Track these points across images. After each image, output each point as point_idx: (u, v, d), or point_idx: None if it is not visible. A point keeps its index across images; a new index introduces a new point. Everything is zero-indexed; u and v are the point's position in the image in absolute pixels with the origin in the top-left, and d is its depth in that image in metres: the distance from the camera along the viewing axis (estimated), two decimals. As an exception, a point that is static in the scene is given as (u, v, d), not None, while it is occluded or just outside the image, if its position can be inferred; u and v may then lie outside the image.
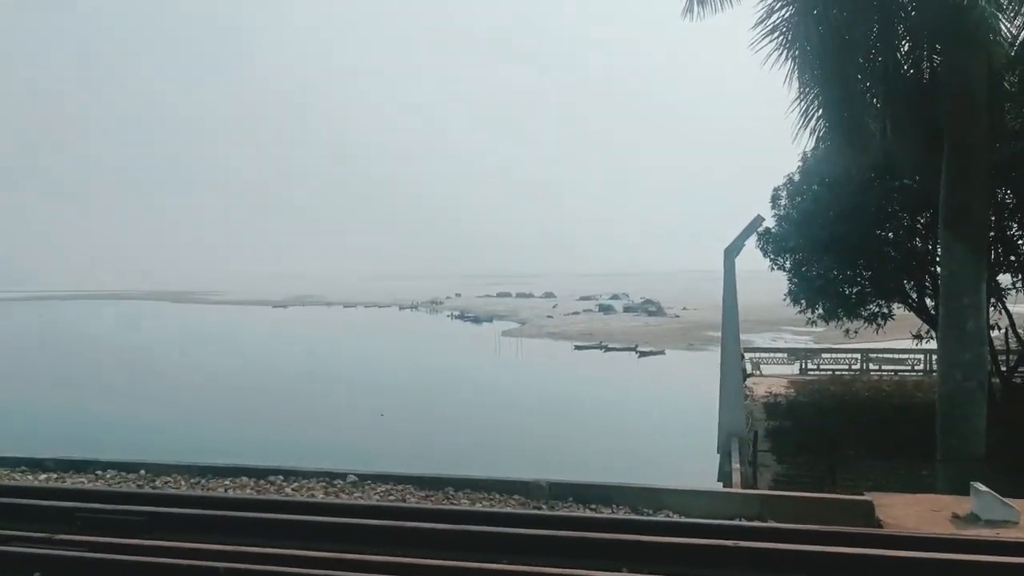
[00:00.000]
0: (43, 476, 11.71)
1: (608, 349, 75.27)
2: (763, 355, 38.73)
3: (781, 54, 14.63)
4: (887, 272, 22.93)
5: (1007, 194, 20.17)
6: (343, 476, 11.17)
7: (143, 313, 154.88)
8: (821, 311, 24.80)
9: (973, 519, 8.52)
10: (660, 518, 9.05)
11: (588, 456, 29.08)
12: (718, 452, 19.10)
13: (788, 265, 24.73)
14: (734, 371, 20.04)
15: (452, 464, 21.40)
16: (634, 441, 32.70)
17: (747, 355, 34.14)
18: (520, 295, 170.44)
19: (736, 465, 16.61)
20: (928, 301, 23.09)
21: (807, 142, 15.93)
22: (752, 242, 22.18)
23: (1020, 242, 21.41)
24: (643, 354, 70.93)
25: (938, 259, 18.53)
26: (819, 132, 15.17)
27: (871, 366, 34.79)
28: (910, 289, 23.79)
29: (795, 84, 14.85)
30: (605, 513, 9.52)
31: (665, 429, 35.06)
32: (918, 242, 22.78)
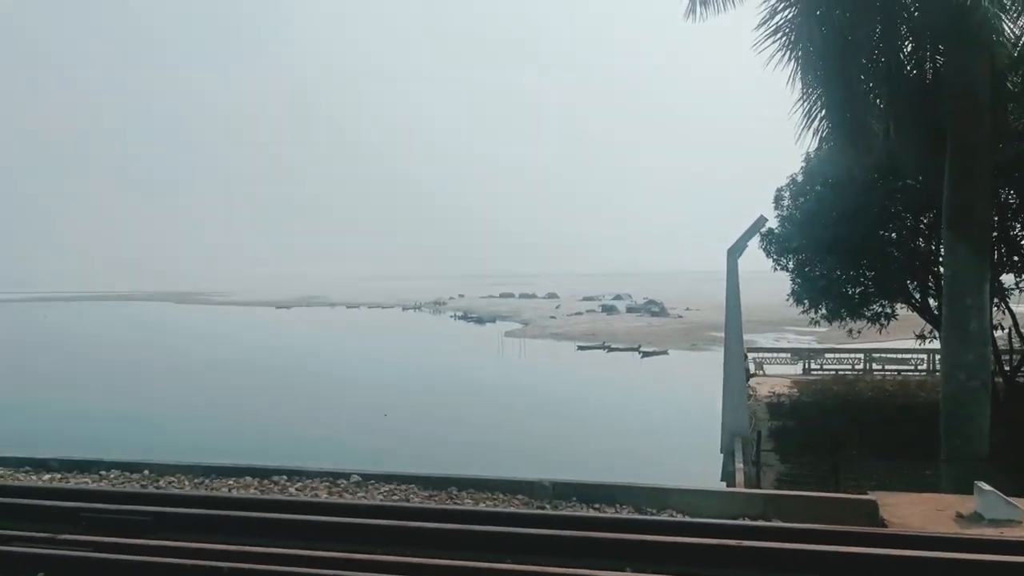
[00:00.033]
0: (47, 476, 11.72)
1: (611, 349, 75.28)
2: (766, 355, 38.69)
3: (784, 55, 14.63)
4: (890, 272, 22.91)
5: (1010, 194, 20.14)
6: (347, 476, 11.18)
7: (147, 314, 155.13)
8: (824, 311, 24.78)
9: (977, 518, 8.52)
10: (664, 518, 9.06)
11: (591, 456, 29.09)
12: (721, 452, 19.11)
13: (791, 265, 24.71)
14: (737, 371, 20.05)
15: (456, 464, 21.41)
16: (637, 441, 32.72)
17: (750, 355, 34.15)
18: (523, 296, 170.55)
19: (740, 465, 16.62)
20: (931, 301, 23.07)
21: (810, 143, 15.93)
22: (755, 242, 22.21)
23: (1023, 242, 21.38)
24: (646, 354, 70.92)
25: (941, 259, 18.51)
26: (822, 133, 15.17)
27: (874, 366, 34.76)
28: (913, 289, 23.77)
29: (798, 85, 14.86)
30: (609, 513, 9.53)
31: (668, 429, 35.07)
32: (921, 242, 22.76)
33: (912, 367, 33.73)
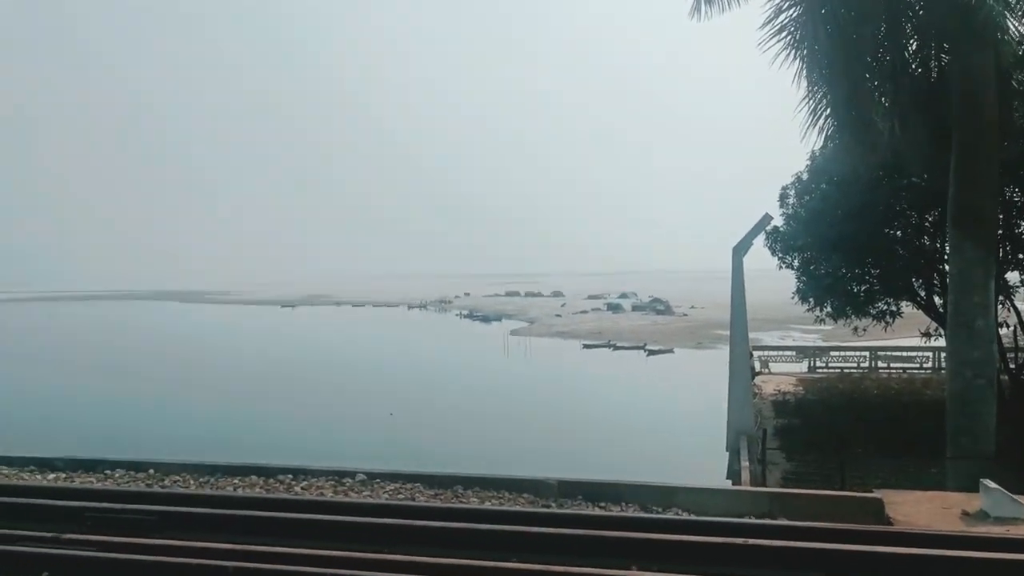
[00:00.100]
0: (52, 476, 11.75)
1: (617, 348, 75.33)
2: (772, 353, 38.67)
3: (789, 54, 14.62)
4: (895, 270, 22.87)
5: (1015, 192, 20.10)
6: (352, 475, 11.18)
7: (150, 313, 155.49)
8: (829, 309, 24.75)
9: (983, 516, 8.51)
10: (670, 516, 9.05)
11: (597, 454, 29.11)
12: (727, 450, 19.10)
13: (796, 263, 24.68)
14: (743, 369, 20.02)
15: (461, 463, 21.44)
16: (643, 439, 32.74)
17: (756, 353, 34.09)
18: (529, 294, 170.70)
19: (745, 463, 16.60)
20: (936, 299, 23.02)
21: (815, 141, 15.91)
22: (760, 241, 22.19)
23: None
24: (652, 353, 70.93)
25: (946, 257, 18.46)
26: (828, 131, 15.15)
27: (880, 364, 34.70)
28: (918, 287, 23.72)
29: (803, 83, 14.85)
30: (615, 511, 9.52)
31: (674, 427, 35.08)
32: (926, 240, 22.71)
33: (917, 365, 33.67)
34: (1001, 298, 20.21)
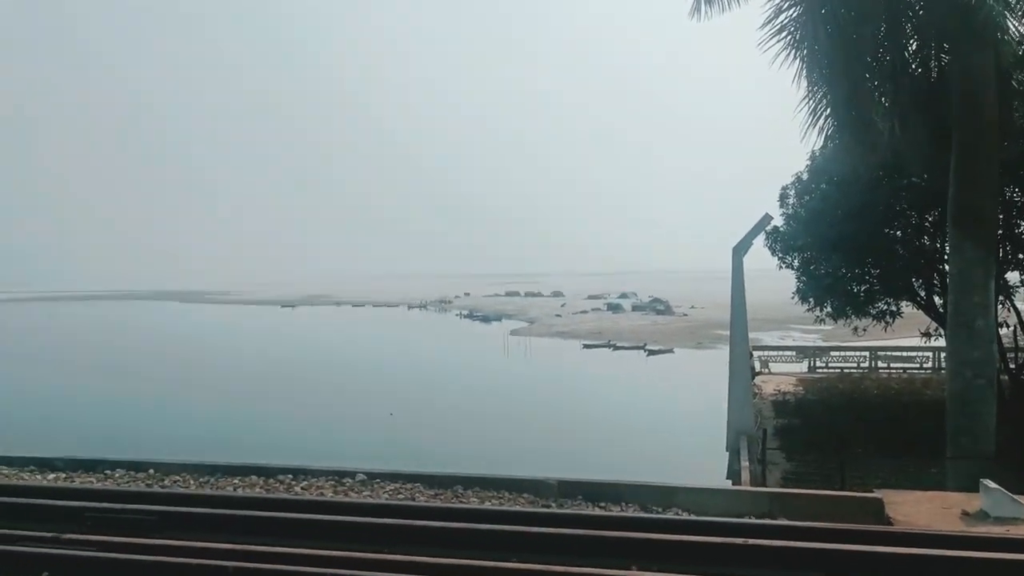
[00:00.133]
0: (52, 476, 11.75)
1: (617, 348, 75.35)
2: (772, 353, 38.68)
3: (789, 54, 14.62)
4: (895, 270, 22.88)
5: (1015, 192, 20.10)
6: (352, 475, 11.18)
7: (151, 313, 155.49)
8: (829, 309, 24.75)
9: (983, 516, 8.51)
10: (670, 516, 9.05)
11: (597, 454, 29.11)
12: (727, 450, 19.10)
13: (796, 263, 24.68)
14: (743, 369, 20.02)
15: (461, 462, 21.43)
16: (643, 439, 32.74)
17: (756, 353, 34.09)
18: (529, 294, 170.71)
19: (745, 463, 16.60)
20: (936, 299, 23.03)
21: (816, 141, 15.91)
22: (760, 241, 22.19)
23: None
24: (651, 353, 70.96)
25: (947, 257, 18.46)
26: (828, 131, 15.16)
27: (880, 364, 34.70)
28: (918, 287, 23.73)
29: (803, 83, 14.85)
30: (615, 511, 9.53)
31: (674, 427, 35.09)
32: (926, 240, 22.71)
33: (917, 365, 33.68)
34: (1001, 298, 20.21)
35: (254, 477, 11.30)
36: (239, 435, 34.16)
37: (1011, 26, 13.91)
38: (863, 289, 23.93)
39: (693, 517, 8.80)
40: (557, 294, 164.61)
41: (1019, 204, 20.40)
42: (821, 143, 16.87)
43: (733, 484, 16.43)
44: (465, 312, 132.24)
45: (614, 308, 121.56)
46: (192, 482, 11.35)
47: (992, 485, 8.70)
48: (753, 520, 8.55)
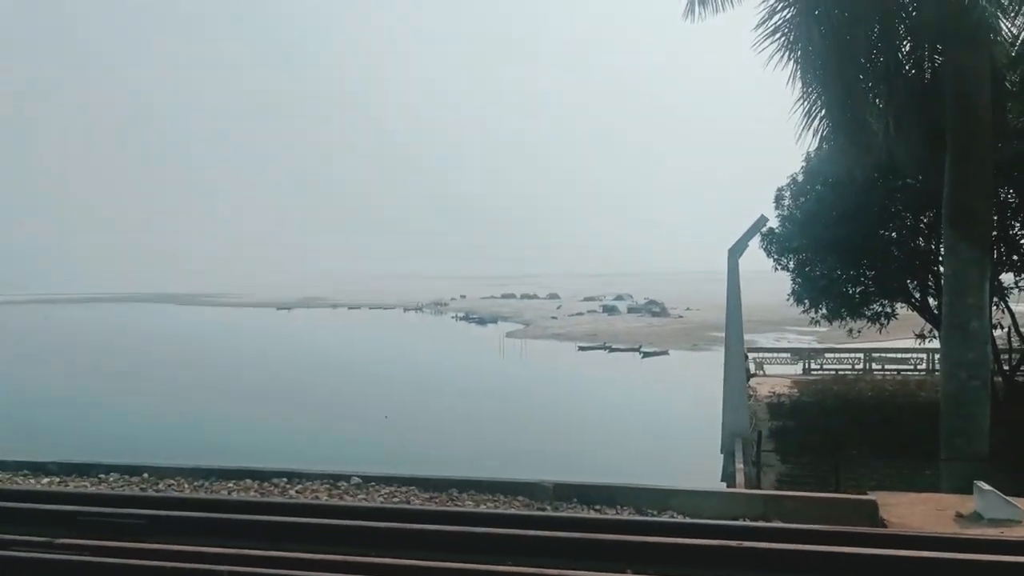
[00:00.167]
0: (45, 480, 11.71)
1: (612, 350, 75.36)
2: (767, 355, 38.69)
3: (783, 55, 14.65)
4: (890, 272, 22.92)
5: (1009, 193, 20.16)
6: (347, 478, 11.17)
7: (147, 315, 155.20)
8: (824, 311, 24.79)
9: (977, 518, 8.52)
10: (665, 519, 9.05)
11: (592, 457, 29.09)
12: (722, 452, 19.11)
13: (792, 265, 24.72)
14: (738, 371, 20.05)
15: (456, 466, 21.42)
16: (638, 442, 32.72)
17: (751, 355, 34.15)
18: (524, 296, 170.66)
19: (740, 465, 16.62)
20: (931, 300, 23.08)
21: (810, 142, 15.94)
22: (756, 242, 22.22)
23: (1022, 241, 21.38)
24: (647, 355, 70.99)
25: (941, 259, 18.51)
26: (822, 132, 15.18)
27: (874, 366, 34.75)
28: (913, 289, 23.77)
29: (798, 85, 14.88)
30: (610, 514, 9.52)
31: (669, 429, 35.07)
32: (921, 242, 22.76)
33: (912, 367, 33.74)
34: (995, 299, 20.26)
35: (248, 481, 11.27)
36: (233, 439, 34.08)
37: (1004, 27, 13.96)
38: (858, 291, 23.97)
39: (688, 520, 8.80)
40: (553, 296, 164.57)
41: (1013, 205, 20.45)
42: (816, 145, 16.91)
43: (728, 486, 16.44)
44: (461, 314, 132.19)
45: (609, 310, 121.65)
46: (186, 486, 11.31)
47: (986, 487, 8.70)
48: (748, 522, 8.55)
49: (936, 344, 21.22)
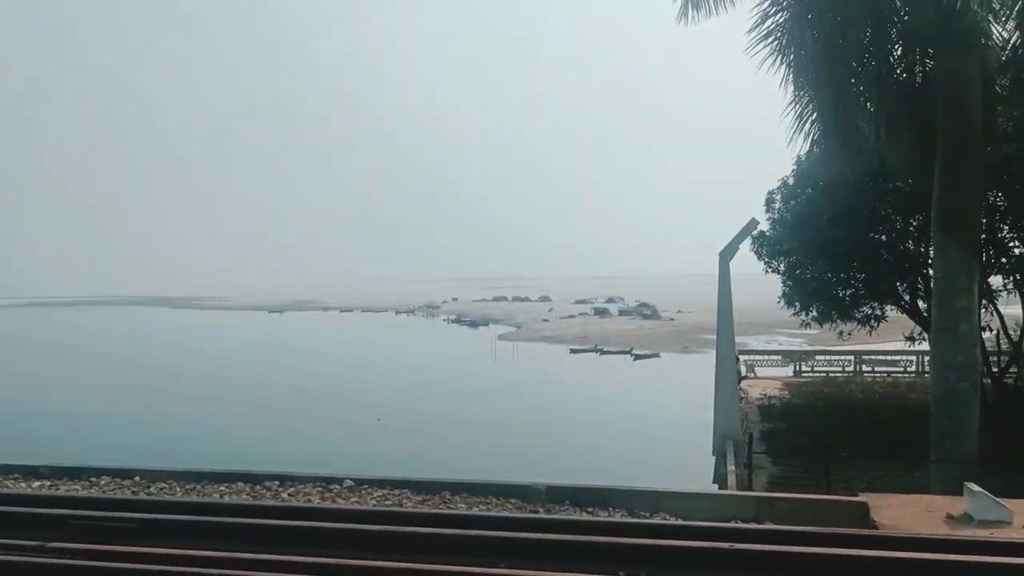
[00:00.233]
0: (37, 483, 11.65)
1: (603, 352, 75.43)
2: (757, 357, 38.77)
3: (776, 59, 14.70)
4: (880, 274, 23.02)
5: (999, 197, 20.28)
6: (339, 481, 11.14)
7: (138, 319, 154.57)
8: (815, 313, 24.87)
9: (967, 519, 8.56)
10: (657, 521, 9.06)
11: (584, 459, 29.10)
12: (713, 454, 19.16)
13: (782, 268, 24.80)
14: (729, 373, 20.11)
15: (449, 468, 21.41)
16: (630, 444, 32.77)
17: (742, 357, 34.20)
18: (516, 299, 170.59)
19: (731, 467, 16.66)
20: (921, 303, 23.17)
21: (802, 146, 15.97)
22: (747, 245, 22.31)
23: (1012, 244, 21.51)
24: (638, 357, 71.08)
25: (931, 261, 18.61)
26: (813, 135, 15.23)
27: (864, 368, 34.86)
28: (903, 291, 23.87)
29: (790, 88, 14.94)
30: (602, 516, 9.53)
31: (660, 432, 35.13)
32: (911, 245, 22.87)
33: (901, 369, 33.88)
34: (984, 302, 20.37)
35: (240, 484, 11.24)
36: (223, 443, 33.97)
37: (995, 31, 14.06)
38: (848, 293, 24.07)
39: (681, 522, 8.82)
40: (545, 299, 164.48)
41: (1002, 209, 20.58)
42: (807, 148, 16.98)
43: (720, 488, 16.47)
44: (453, 317, 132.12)
45: (601, 313, 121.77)
46: (178, 489, 11.26)
47: (976, 488, 8.74)
48: (740, 524, 8.58)
49: (926, 346, 21.30)
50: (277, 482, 11.21)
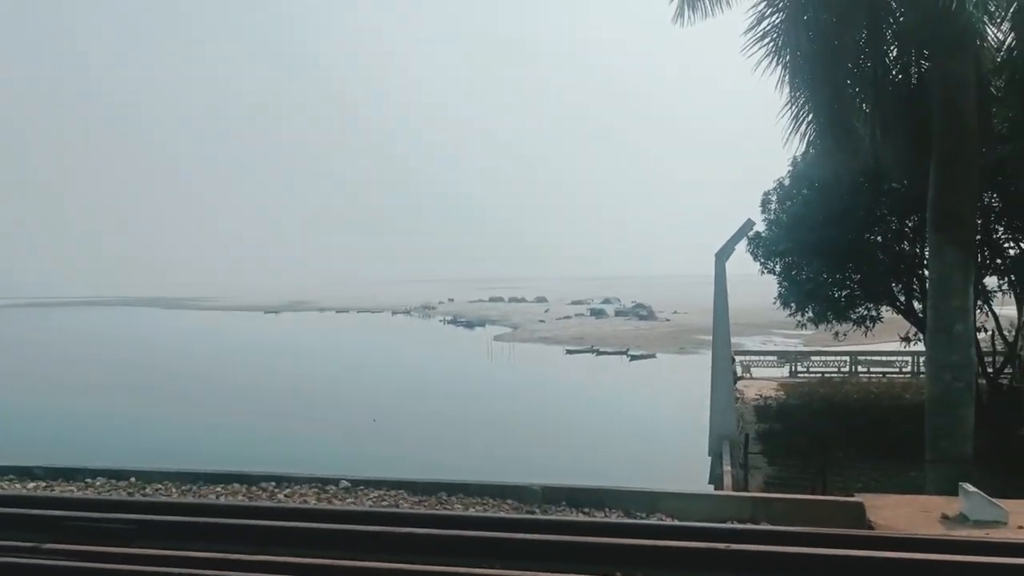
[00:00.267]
0: (31, 484, 11.62)
1: (599, 353, 75.47)
2: (753, 358, 38.88)
3: (772, 60, 14.69)
4: (876, 275, 23.08)
5: (994, 198, 20.35)
6: (335, 482, 11.14)
7: (132, 319, 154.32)
8: (811, 314, 24.93)
9: (962, 520, 8.57)
10: (653, 521, 9.07)
11: (580, 460, 29.10)
12: (709, 455, 19.19)
13: (778, 269, 24.86)
14: (725, 374, 20.14)
15: (445, 469, 21.38)
16: (626, 445, 32.76)
17: (737, 358, 34.28)
18: (512, 300, 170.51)
19: (727, 467, 16.69)
20: (916, 304, 23.24)
21: (798, 146, 15.97)
22: (743, 246, 22.36)
23: (1006, 246, 21.58)
24: (634, 358, 71.12)
25: (926, 262, 18.64)
26: (809, 136, 15.24)
27: (860, 368, 34.99)
28: (898, 292, 23.94)
29: (786, 89, 14.93)
30: (598, 517, 9.54)
31: (657, 432, 35.14)
32: (906, 245, 22.93)
33: (897, 369, 34.00)
34: (980, 303, 20.43)
35: (236, 485, 11.23)
36: (219, 443, 33.91)
37: (990, 33, 14.07)
38: (844, 294, 24.14)
39: (677, 522, 8.82)
40: (541, 299, 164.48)
41: (997, 209, 20.66)
42: (803, 149, 16.99)
43: (716, 489, 16.50)
44: (449, 318, 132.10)
45: (597, 313, 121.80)
46: (174, 490, 11.26)
47: (971, 488, 8.76)
48: (736, 525, 8.58)
49: (921, 347, 21.40)
50: (273, 483, 11.20)
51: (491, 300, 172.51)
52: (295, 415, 42.74)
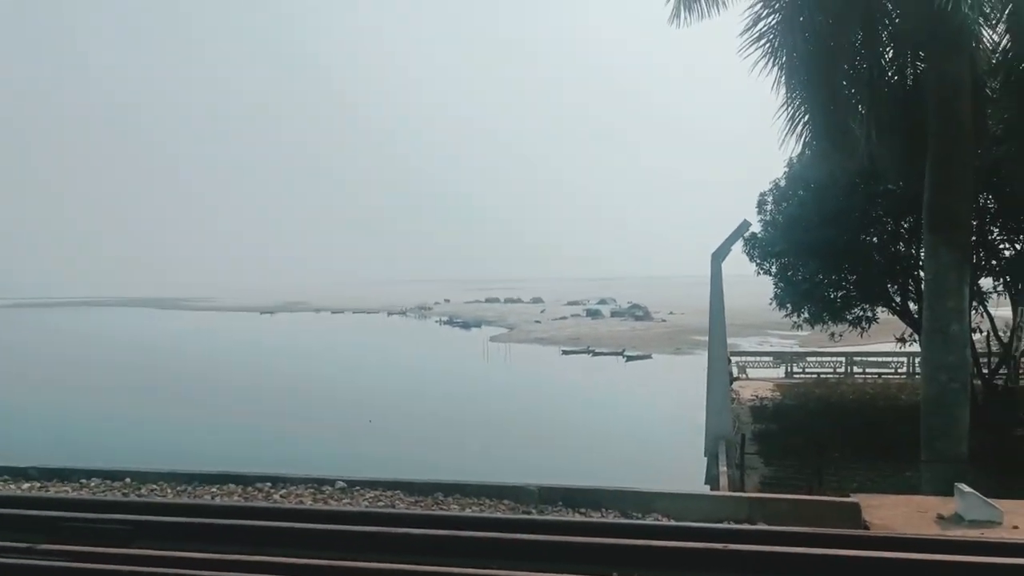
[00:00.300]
0: (26, 485, 11.58)
1: (595, 354, 75.54)
2: (749, 359, 38.91)
3: (768, 61, 14.73)
4: (871, 276, 23.10)
5: (989, 199, 20.38)
6: (331, 482, 11.11)
7: (127, 320, 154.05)
8: (806, 315, 24.97)
9: (958, 520, 8.59)
10: (650, 522, 9.07)
11: (577, 460, 29.12)
12: (705, 455, 19.19)
13: (774, 269, 24.89)
14: (721, 375, 20.15)
15: (441, 469, 21.37)
16: (622, 445, 32.79)
17: (733, 359, 34.31)
18: (508, 300, 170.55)
19: (723, 468, 16.69)
20: (911, 305, 23.29)
21: (794, 147, 16.01)
22: (739, 247, 22.36)
23: (1002, 247, 21.63)
24: (630, 358, 71.20)
25: (922, 263, 18.69)
26: (805, 137, 15.28)
27: (855, 369, 35.02)
28: (894, 293, 23.98)
29: (782, 90, 14.97)
30: (595, 517, 9.53)
31: (653, 433, 35.19)
32: (902, 246, 22.97)
33: (893, 370, 34.04)
34: (975, 304, 20.47)
35: (232, 485, 11.19)
36: (214, 444, 33.88)
37: (985, 34, 14.12)
38: (839, 295, 24.16)
39: (673, 522, 8.82)
40: (537, 300, 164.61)
41: (993, 211, 20.70)
42: (799, 150, 17.03)
43: (712, 489, 16.50)
44: (445, 318, 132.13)
45: (593, 314, 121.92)
46: (169, 491, 11.22)
47: (966, 489, 8.78)
48: (733, 525, 8.59)
49: (916, 348, 21.45)
50: (269, 483, 11.17)
51: (487, 301, 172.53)
52: (291, 416, 42.72)
